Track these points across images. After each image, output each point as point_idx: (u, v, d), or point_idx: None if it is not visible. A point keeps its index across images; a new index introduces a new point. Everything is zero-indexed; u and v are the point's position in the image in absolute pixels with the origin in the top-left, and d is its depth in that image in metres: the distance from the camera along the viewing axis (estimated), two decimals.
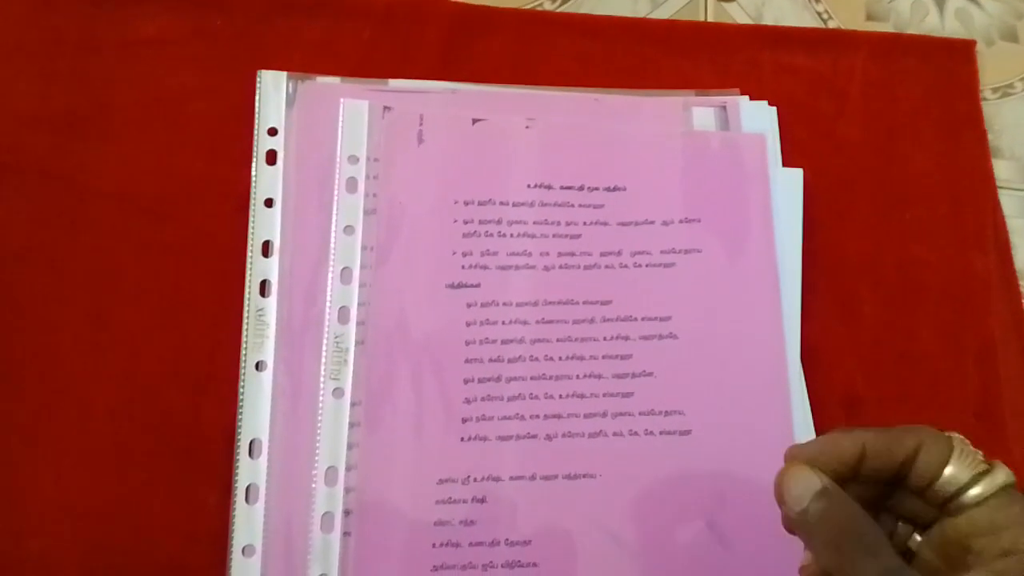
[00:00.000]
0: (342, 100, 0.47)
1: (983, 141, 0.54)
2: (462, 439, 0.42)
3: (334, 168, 0.46)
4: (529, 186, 0.47)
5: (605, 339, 0.45)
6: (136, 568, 0.40)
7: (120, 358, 0.43)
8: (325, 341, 0.43)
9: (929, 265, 0.51)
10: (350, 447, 0.42)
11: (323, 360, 0.43)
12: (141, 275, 0.45)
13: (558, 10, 0.55)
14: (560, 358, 0.44)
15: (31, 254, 0.44)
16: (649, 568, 0.42)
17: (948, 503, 0.29)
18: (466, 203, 0.46)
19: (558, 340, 0.45)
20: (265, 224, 0.45)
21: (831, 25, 0.57)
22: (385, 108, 0.47)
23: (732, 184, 0.48)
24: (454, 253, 0.45)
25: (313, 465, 0.41)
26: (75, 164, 0.46)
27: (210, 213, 0.46)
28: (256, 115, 0.46)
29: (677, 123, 0.50)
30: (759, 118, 0.50)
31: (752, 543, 0.42)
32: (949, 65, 0.56)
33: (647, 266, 0.46)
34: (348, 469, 0.42)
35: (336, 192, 0.45)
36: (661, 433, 0.44)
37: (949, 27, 0.58)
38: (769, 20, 0.57)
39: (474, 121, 0.47)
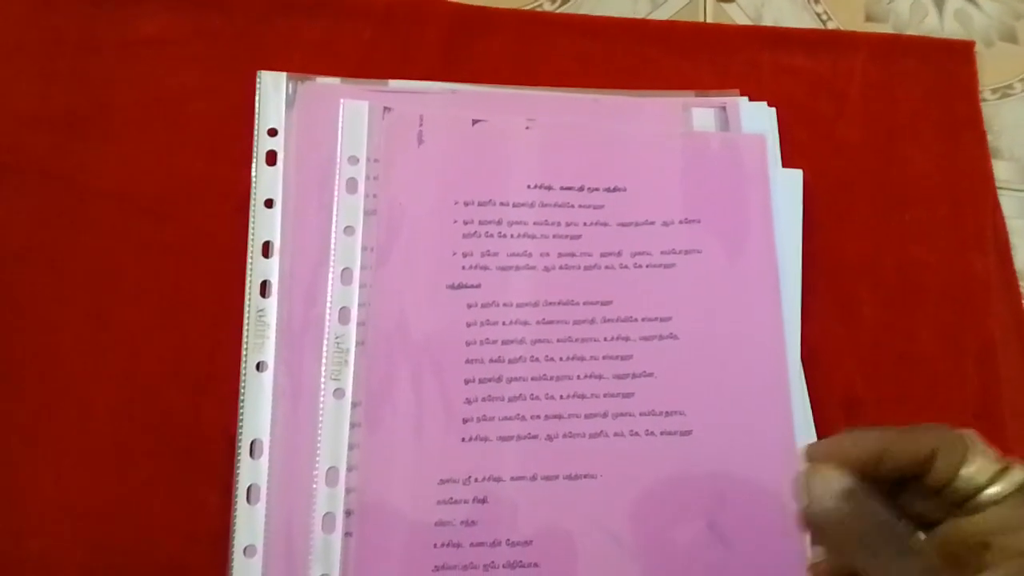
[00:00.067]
0: (342, 101, 0.47)
1: (982, 142, 0.54)
2: (463, 439, 0.42)
3: (334, 169, 0.46)
4: (529, 187, 0.47)
5: (605, 340, 0.45)
6: (137, 568, 0.40)
7: (120, 358, 0.43)
8: (326, 342, 0.43)
9: (929, 266, 0.51)
10: (351, 448, 0.42)
11: (324, 361, 0.43)
12: (141, 275, 0.45)
13: (558, 11, 0.55)
14: (561, 359, 0.44)
15: (31, 254, 0.44)
16: (650, 568, 0.42)
17: (964, 502, 0.29)
18: (466, 204, 0.46)
19: (559, 341, 0.45)
20: (265, 225, 0.45)
21: (830, 26, 0.57)
22: (385, 109, 0.47)
23: (732, 185, 0.48)
24: (454, 254, 0.45)
25: (314, 465, 0.41)
26: (75, 164, 0.46)
27: (210, 213, 0.46)
28: (256, 115, 0.46)
29: (677, 124, 0.50)
30: (759, 119, 0.50)
31: (753, 543, 0.43)
32: (948, 66, 0.56)
33: (647, 267, 0.46)
34: (349, 469, 0.42)
35: (336, 193, 0.45)
36: (662, 433, 0.44)
37: (948, 28, 0.58)
38: (768, 21, 0.57)
39: (474, 122, 0.47)
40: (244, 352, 0.43)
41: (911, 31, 0.58)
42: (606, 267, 0.46)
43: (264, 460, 0.42)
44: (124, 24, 0.49)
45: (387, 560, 0.40)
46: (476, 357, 0.44)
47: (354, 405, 0.42)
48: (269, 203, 0.45)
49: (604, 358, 0.45)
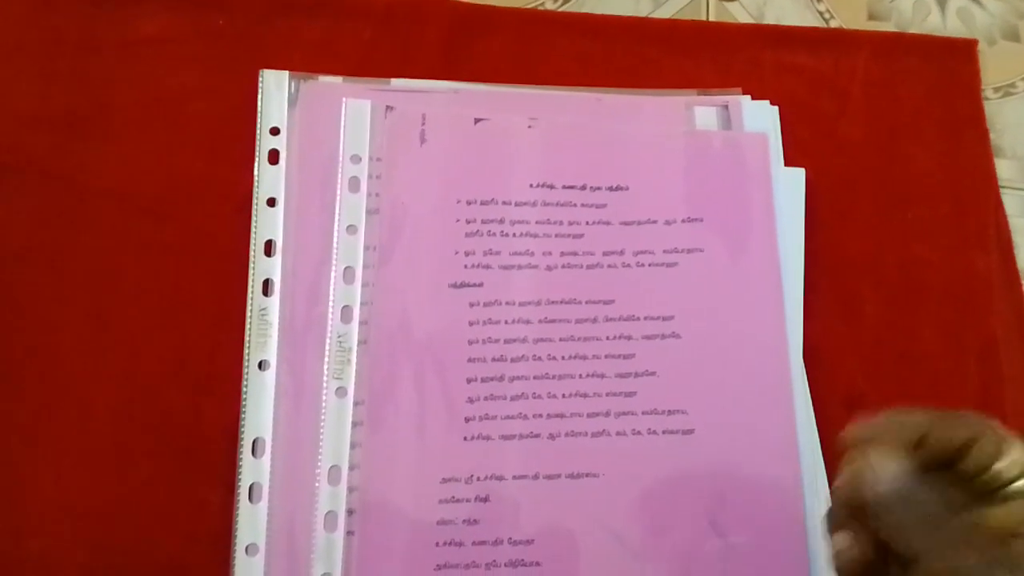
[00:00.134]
0: (344, 100, 0.47)
1: (985, 140, 0.54)
2: (465, 438, 0.42)
3: (336, 167, 0.46)
4: (532, 185, 0.47)
5: (608, 338, 0.45)
6: (138, 568, 0.40)
7: (121, 358, 0.43)
8: (328, 340, 0.43)
9: (931, 264, 0.51)
10: (353, 446, 0.42)
11: (326, 359, 0.43)
12: (142, 275, 0.45)
13: (559, 9, 0.55)
14: (563, 357, 0.44)
15: (31, 254, 0.44)
16: (652, 567, 0.42)
17: (993, 492, 0.29)
18: (468, 203, 0.46)
19: (561, 339, 0.44)
20: (268, 223, 0.45)
21: (833, 24, 0.57)
22: (387, 108, 0.47)
23: (734, 184, 0.48)
24: (457, 253, 0.45)
25: (316, 464, 0.41)
26: (75, 164, 0.46)
27: (211, 213, 0.46)
28: (259, 114, 0.46)
29: (679, 123, 0.50)
30: (761, 118, 0.50)
31: (755, 542, 0.42)
32: (951, 64, 0.56)
33: (650, 265, 0.46)
34: (351, 468, 0.41)
35: (339, 191, 0.45)
36: (664, 432, 0.44)
37: (951, 26, 0.58)
38: (771, 19, 0.57)
39: (476, 121, 0.47)
40: (246, 351, 0.43)
41: (913, 29, 0.58)
42: (608, 266, 0.46)
43: (266, 459, 0.41)
44: (124, 24, 0.49)
45: (389, 559, 0.40)
46: (478, 356, 0.44)
47: (356, 404, 0.42)
48: (272, 202, 0.45)
49: (606, 357, 0.45)
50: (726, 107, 0.50)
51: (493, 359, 0.44)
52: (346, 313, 0.44)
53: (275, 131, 0.46)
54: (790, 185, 0.49)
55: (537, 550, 0.41)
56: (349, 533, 0.41)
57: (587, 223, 0.47)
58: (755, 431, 0.44)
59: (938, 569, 0.29)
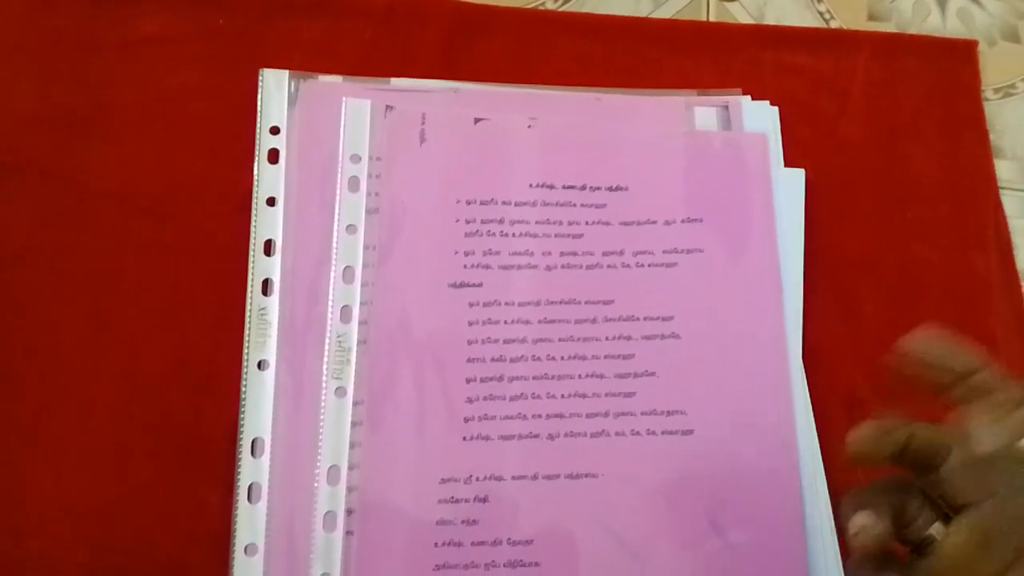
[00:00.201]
0: (344, 99, 0.47)
1: (985, 141, 0.54)
2: (464, 438, 0.42)
3: (336, 167, 0.45)
4: (531, 185, 0.47)
5: (607, 339, 0.45)
6: (137, 568, 0.40)
7: (121, 358, 0.43)
8: (327, 340, 0.43)
9: (931, 265, 0.51)
10: (352, 446, 0.42)
11: (325, 359, 0.43)
12: (142, 275, 0.45)
13: (559, 9, 0.55)
14: (562, 358, 0.44)
15: (31, 254, 0.44)
16: (651, 567, 0.42)
17: None
18: (468, 202, 0.46)
19: (560, 340, 0.44)
20: (267, 223, 0.45)
21: (833, 25, 0.57)
22: (387, 107, 0.47)
23: (734, 184, 0.48)
24: (456, 252, 0.45)
25: (315, 464, 0.41)
26: (75, 164, 0.46)
27: (211, 213, 0.46)
28: (258, 114, 0.46)
29: (679, 123, 0.50)
30: (761, 118, 0.50)
31: (754, 543, 0.42)
32: (951, 65, 0.56)
33: (649, 266, 0.46)
34: (350, 468, 0.41)
35: (338, 191, 0.45)
36: (663, 433, 0.44)
37: (951, 27, 0.58)
38: (771, 20, 0.57)
39: (476, 120, 0.47)
40: (245, 351, 0.43)
41: (913, 30, 0.58)
42: (608, 266, 0.46)
43: (265, 459, 0.41)
44: (124, 24, 0.49)
45: (388, 559, 0.40)
46: (478, 356, 0.44)
47: (356, 404, 0.42)
48: (271, 201, 0.45)
49: (606, 357, 0.45)
50: (726, 107, 0.50)
51: (492, 359, 0.44)
52: (345, 313, 0.44)
53: (275, 130, 0.46)
54: (790, 186, 0.49)
55: (536, 550, 0.41)
56: (348, 533, 0.41)
57: (587, 223, 0.47)
58: (754, 431, 0.44)
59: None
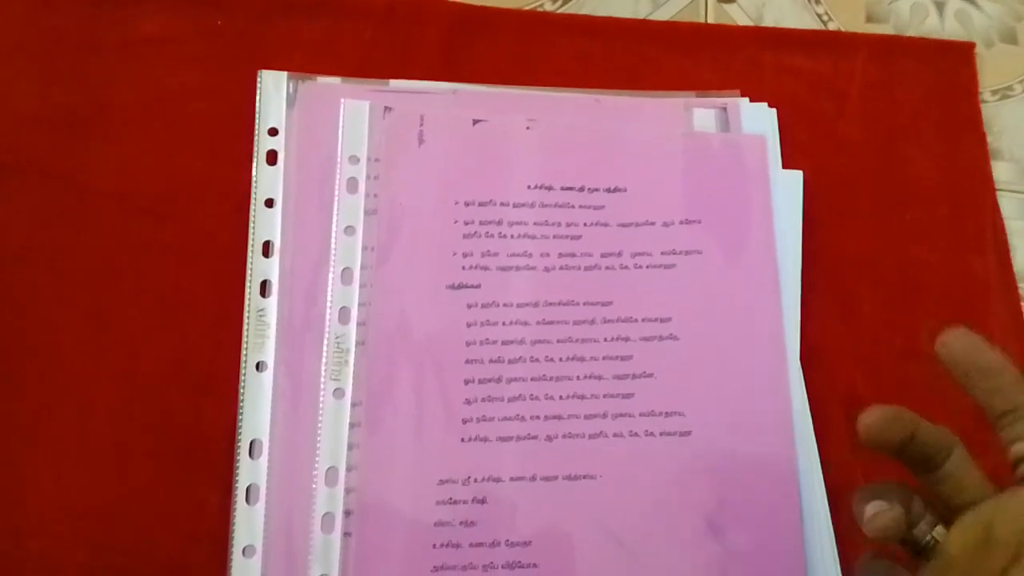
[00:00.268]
0: (343, 100, 0.47)
1: (982, 143, 0.54)
2: (462, 440, 0.42)
3: (335, 168, 0.46)
4: (530, 187, 0.47)
5: (605, 340, 0.45)
6: (136, 568, 0.40)
7: (120, 358, 0.43)
8: (326, 341, 0.43)
9: (929, 266, 0.51)
10: (351, 448, 0.42)
11: (324, 360, 0.43)
12: (141, 275, 0.45)
13: (558, 10, 0.55)
14: (560, 359, 0.44)
15: (31, 254, 0.44)
16: (649, 569, 0.42)
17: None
18: (467, 204, 0.46)
19: (558, 341, 0.44)
20: (266, 224, 0.45)
21: (831, 27, 0.57)
22: (386, 108, 0.47)
23: (732, 185, 0.48)
24: (455, 254, 0.45)
25: (314, 465, 0.41)
26: (75, 164, 0.46)
27: (210, 213, 0.46)
28: (257, 115, 0.46)
29: (678, 124, 0.50)
30: (759, 120, 0.50)
31: (752, 543, 0.42)
32: (948, 67, 0.56)
33: (647, 267, 0.46)
34: (349, 470, 0.41)
35: (337, 192, 0.45)
36: (661, 434, 0.44)
37: (949, 29, 0.58)
38: (769, 21, 0.57)
39: (475, 122, 0.47)
40: (244, 352, 0.43)
41: (911, 32, 0.58)
42: (606, 267, 0.46)
43: (263, 460, 0.42)
44: (124, 24, 0.49)
45: (386, 560, 0.40)
46: (476, 357, 0.44)
47: (354, 405, 0.42)
48: (269, 202, 0.45)
49: (604, 359, 0.45)
50: (724, 109, 0.50)
51: (491, 360, 0.44)
52: (344, 314, 0.44)
53: (273, 132, 0.46)
54: (788, 187, 0.49)
55: (534, 552, 0.41)
56: (346, 534, 0.41)
57: (585, 224, 0.47)
58: (752, 432, 0.44)
59: None
